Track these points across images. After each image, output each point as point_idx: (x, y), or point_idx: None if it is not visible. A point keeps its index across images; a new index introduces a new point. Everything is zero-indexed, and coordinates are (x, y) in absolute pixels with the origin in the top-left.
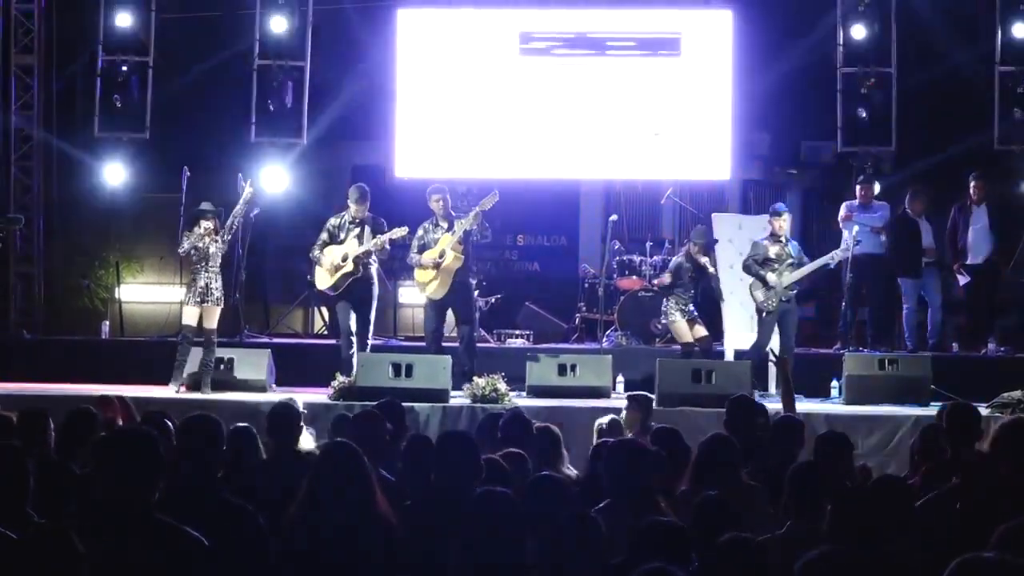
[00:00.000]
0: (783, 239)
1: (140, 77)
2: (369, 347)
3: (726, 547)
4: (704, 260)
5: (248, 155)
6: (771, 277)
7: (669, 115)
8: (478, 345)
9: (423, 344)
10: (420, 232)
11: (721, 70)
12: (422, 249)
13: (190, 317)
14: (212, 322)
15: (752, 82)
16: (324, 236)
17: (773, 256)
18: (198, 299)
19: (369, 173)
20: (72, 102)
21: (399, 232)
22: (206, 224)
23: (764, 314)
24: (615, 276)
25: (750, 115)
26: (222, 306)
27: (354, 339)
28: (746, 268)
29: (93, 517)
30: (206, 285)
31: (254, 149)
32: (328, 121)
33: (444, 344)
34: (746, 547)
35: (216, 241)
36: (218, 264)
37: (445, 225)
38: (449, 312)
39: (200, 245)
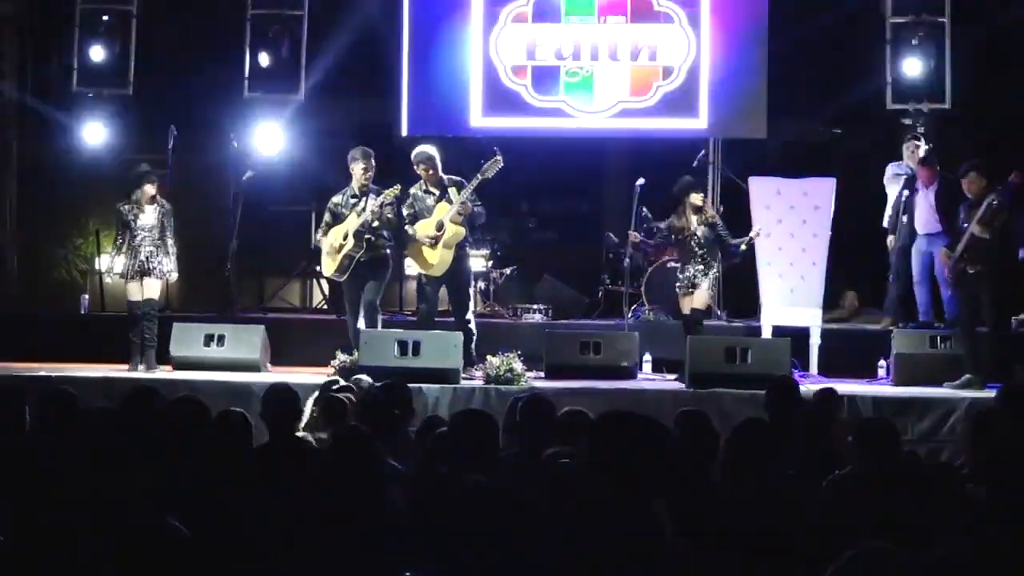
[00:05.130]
0: None
1: (123, 27)
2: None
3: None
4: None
5: (240, 112)
6: None
7: (700, 67)
8: (492, 320)
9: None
10: (409, 200)
11: (757, 17)
12: (415, 219)
13: (134, 292)
14: (154, 292)
15: (792, 31)
16: (327, 218)
17: None
18: (137, 269)
19: (375, 132)
20: (47, 54)
21: (392, 192)
22: (146, 190)
23: None
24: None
25: (789, 67)
26: (170, 280)
27: (361, 315)
28: None
29: (72, 509)
30: (147, 258)
31: (247, 106)
32: (327, 75)
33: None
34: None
35: (159, 208)
36: (160, 235)
37: (437, 192)
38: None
39: (130, 220)
